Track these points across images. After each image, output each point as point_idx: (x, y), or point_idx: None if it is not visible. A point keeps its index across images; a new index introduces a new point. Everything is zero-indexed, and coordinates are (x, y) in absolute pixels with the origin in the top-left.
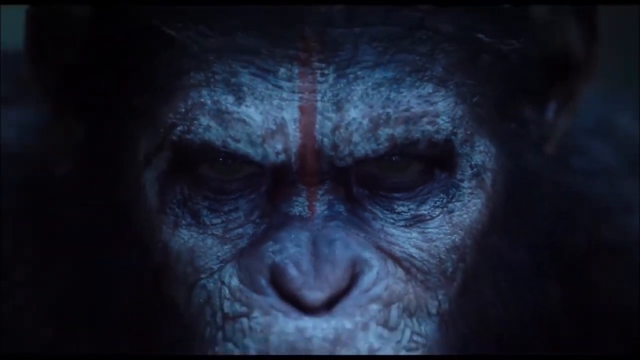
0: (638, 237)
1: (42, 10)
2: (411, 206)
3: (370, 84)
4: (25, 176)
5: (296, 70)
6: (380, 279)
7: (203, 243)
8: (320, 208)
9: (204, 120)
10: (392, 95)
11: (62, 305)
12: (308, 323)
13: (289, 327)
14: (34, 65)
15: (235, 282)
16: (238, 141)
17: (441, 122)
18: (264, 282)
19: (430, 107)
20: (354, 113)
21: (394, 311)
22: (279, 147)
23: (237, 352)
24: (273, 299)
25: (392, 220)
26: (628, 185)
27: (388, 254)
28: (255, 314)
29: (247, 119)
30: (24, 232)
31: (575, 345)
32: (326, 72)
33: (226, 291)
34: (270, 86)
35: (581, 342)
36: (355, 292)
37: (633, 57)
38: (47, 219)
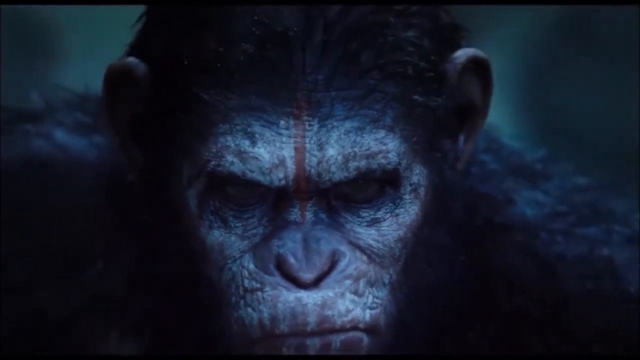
0: (516, 221)
1: (115, 76)
2: (370, 212)
3: (342, 131)
4: (102, 182)
5: (292, 122)
6: (351, 263)
7: (229, 239)
8: (309, 216)
9: (229, 158)
10: (357, 139)
11: (131, 275)
12: (303, 294)
13: (290, 297)
14: (108, 113)
15: (251, 266)
16: (253, 172)
17: (391, 156)
18: (271, 266)
19: (384, 147)
20: (332, 152)
21: (361, 284)
22: (281, 175)
23: (254, 315)
24: (278, 278)
25: (358, 222)
26: (509, 185)
27: (356, 246)
28: (266, 288)
29: (259, 157)
30: (102, 222)
31: (475, 295)
32: (312, 123)
33: (245, 272)
34: (274, 133)
35: (479, 294)
36: (334, 273)
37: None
38: (120, 213)
